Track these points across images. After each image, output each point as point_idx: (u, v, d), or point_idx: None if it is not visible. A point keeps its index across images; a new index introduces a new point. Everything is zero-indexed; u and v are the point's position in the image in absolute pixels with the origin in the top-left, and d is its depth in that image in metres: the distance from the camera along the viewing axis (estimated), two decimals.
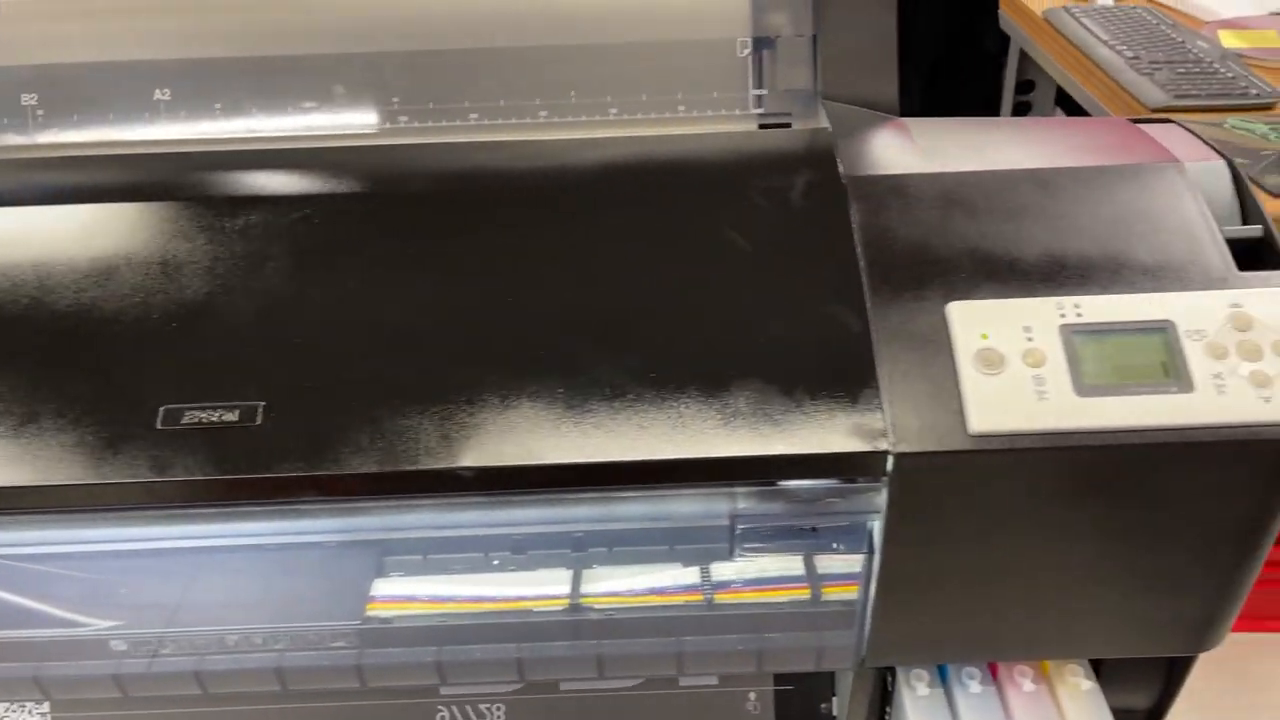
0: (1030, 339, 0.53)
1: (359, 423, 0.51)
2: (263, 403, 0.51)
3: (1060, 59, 1.43)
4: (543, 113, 0.66)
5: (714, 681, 0.72)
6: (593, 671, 0.62)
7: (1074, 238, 0.56)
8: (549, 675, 0.63)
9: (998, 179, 0.58)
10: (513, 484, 0.50)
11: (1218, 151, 0.61)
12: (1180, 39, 1.36)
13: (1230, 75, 1.27)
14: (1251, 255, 0.56)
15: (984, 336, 0.53)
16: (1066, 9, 1.47)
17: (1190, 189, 0.57)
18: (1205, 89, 1.24)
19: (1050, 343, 0.53)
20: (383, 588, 0.64)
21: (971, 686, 0.62)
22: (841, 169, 0.59)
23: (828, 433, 0.51)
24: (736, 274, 0.56)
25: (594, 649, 0.60)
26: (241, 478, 0.50)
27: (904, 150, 0.62)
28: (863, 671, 0.64)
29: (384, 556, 0.65)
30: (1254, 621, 1.52)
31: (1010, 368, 0.52)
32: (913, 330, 0.53)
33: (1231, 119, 1.19)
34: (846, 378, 0.52)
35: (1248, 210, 0.58)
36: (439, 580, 0.64)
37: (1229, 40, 1.38)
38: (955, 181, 0.58)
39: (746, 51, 0.67)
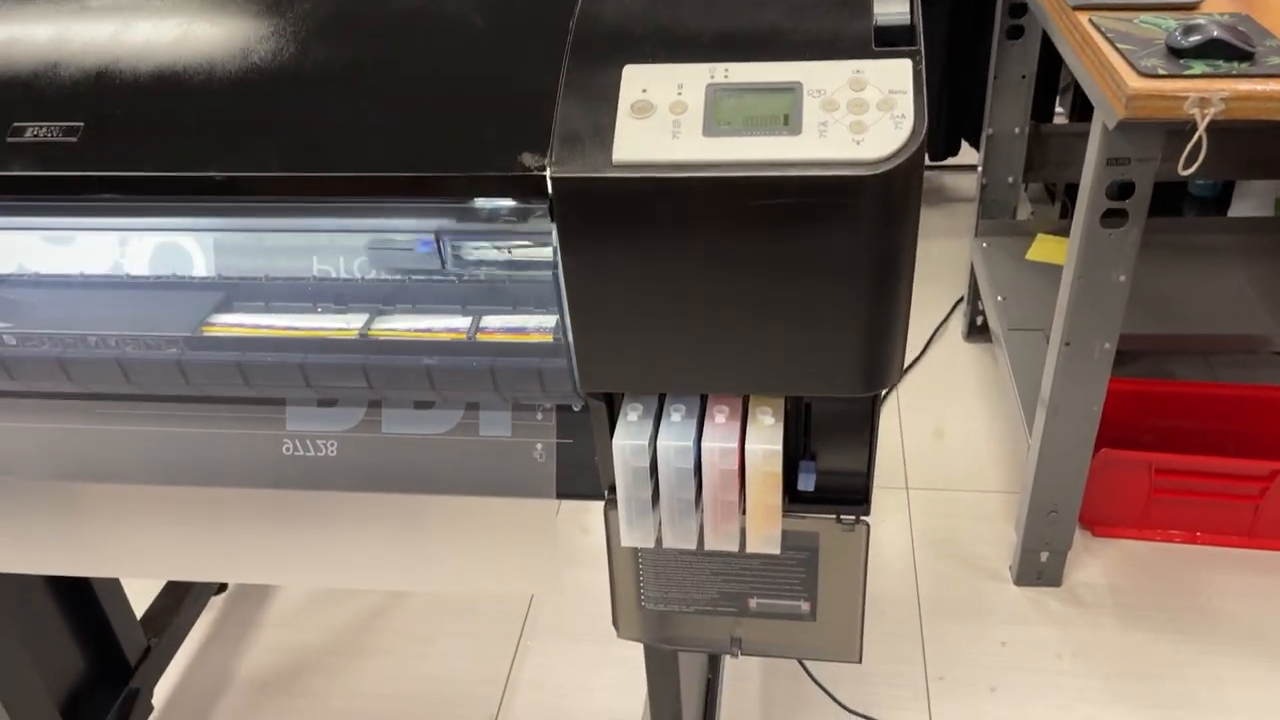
0: (680, 94, 0.64)
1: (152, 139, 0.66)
2: (81, 123, 0.67)
3: None
4: None
5: (508, 434, 0.85)
6: (363, 382, 0.76)
7: (751, 17, 0.67)
8: (330, 383, 0.77)
9: None
10: (252, 190, 0.65)
11: None
12: None
13: None
14: (896, 37, 0.65)
15: (643, 91, 0.64)
16: None
17: None
18: None
19: (695, 97, 0.64)
20: (217, 318, 0.80)
21: (674, 416, 0.73)
22: None
23: (502, 159, 0.63)
24: (465, 42, 0.68)
25: (360, 361, 0.74)
26: (63, 174, 0.66)
27: None
28: (598, 407, 0.76)
29: (227, 299, 0.81)
30: (1192, 534, 1.55)
31: (657, 115, 0.63)
32: (592, 88, 0.65)
33: (1144, 15, 1.23)
34: (527, 122, 0.64)
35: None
36: (261, 316, 0.80)
37: None
38: None
39: None
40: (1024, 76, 1.82)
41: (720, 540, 0.76)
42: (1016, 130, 1.87)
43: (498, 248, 0.69)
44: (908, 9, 0.67)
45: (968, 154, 2.34)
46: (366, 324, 0.77)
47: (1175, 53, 1.11)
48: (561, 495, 0.85)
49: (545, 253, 0.68)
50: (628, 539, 0.77)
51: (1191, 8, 1.26)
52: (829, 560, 0.83)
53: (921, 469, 1.76)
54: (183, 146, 0.67)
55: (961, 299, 2.12)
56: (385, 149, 0.65)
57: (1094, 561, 1.56)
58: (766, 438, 0.72)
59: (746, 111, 0.63)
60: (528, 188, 0.63)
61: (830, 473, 0.78)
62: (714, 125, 0.63)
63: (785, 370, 0.70)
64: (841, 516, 0.81)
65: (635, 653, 1.46)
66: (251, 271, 0.80)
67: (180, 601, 1.45)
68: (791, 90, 0.63)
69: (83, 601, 1.29)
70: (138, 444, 0.87)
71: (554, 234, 0.65)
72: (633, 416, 0.74)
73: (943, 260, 2.29)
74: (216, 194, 0.66)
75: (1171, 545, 1.57)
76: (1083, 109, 2.04)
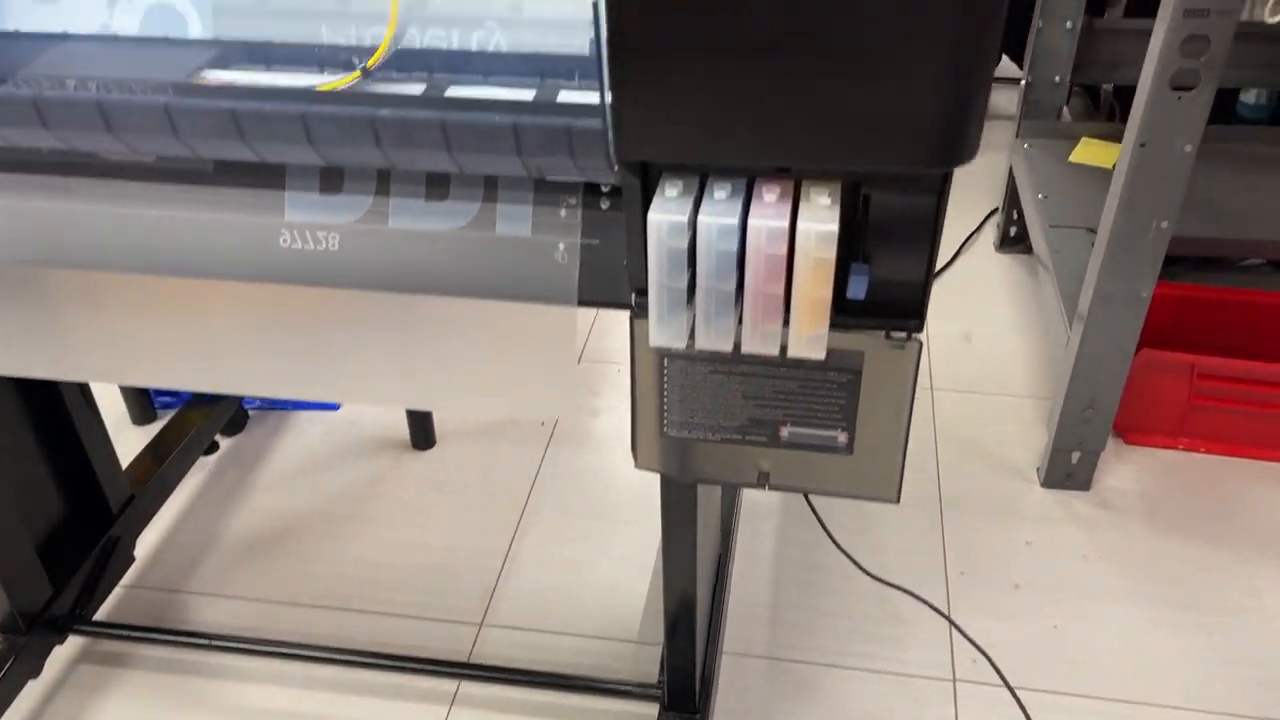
0: None
1: None
2: None
3: None
4: None
5: (527, 232, 0.77)
6: (371, 142, 0.68)
7: None
8: (335, 143, 0.69)
9: None
10: None
11: None
12: None
13: None
14: None
15: None
16: None
17: None
18: None
19: None
20: (213, 74, 0.72)
21: (718, 194, 0.65)
22: None
23: None
24: None
25: (368, 113, 0.66)
26: None
27: None
28: (631, 186, 0.68)
29: (223, 55, 0.73)
30: (1231, 446, 1.48)
31: None
32: None
33: None
34: None
35: None
36: (264, 74, 0.72)
37: None
38: None
39: None
40: None
41: (760, 341, 0.68)
42: (1069, 25, 1.77)
43: None
44: None
45: (1006, 69, 2.23)
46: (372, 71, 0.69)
47: None
48: (584, 302, 0.78)
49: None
50: (657, 337, 0.70)
51: None
52: (873, 384, 0.76)
53: (947, 371, 1.68)
54: None
55: (995, 210, 2.03)
56: None
57: (1125, 468, 1.49)
58: (822, 218, 0.64)
59: None
60: None
61: (883, 281, 0.71)
62: None
63: (849, 135, 0.61)
64: (892, 333, 0.73)
65: (640, 532, 1.40)
66: (253, 33, 0.72)
67: (167, 455, 1.39)
68: None
69: (64, 440, 1.22)
70: (117, 225, 0.80)
71: None
72: (672, 192, 0.66)
73: (977, 174, 2.19)
74: None
75: (1208, 456, 1.50)
76: (1138, 11, 1.94)
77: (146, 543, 1.38)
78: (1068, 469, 1.44)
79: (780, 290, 0.66)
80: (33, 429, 1.18)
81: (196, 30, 0.77)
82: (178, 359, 0.86)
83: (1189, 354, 1.43)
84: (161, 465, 1.37)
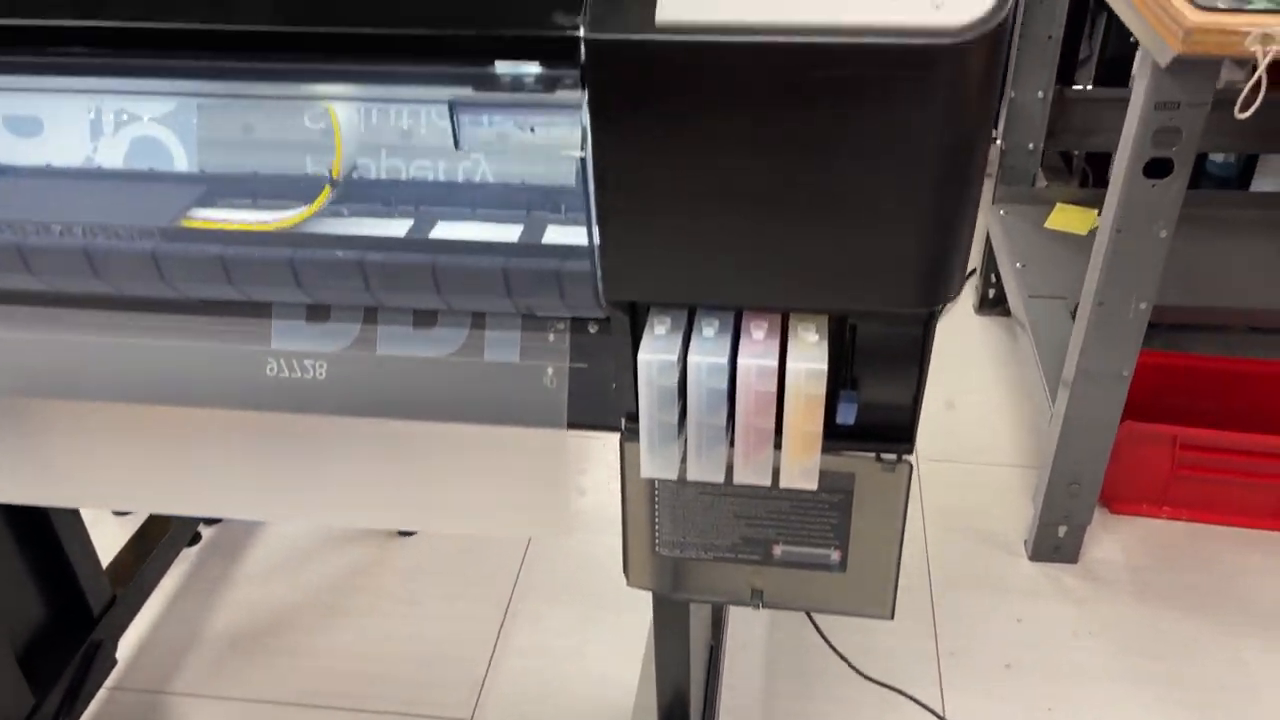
0: None
1: None
2: None
3: None
4: None
5: (515, 357, 0.77)
6: (359, 284, 0.68)
7: None
8: (322, 284, 0.69)
9: None
10: (236, 44, 0.57)
11: None
12: None
13: None
14: None
15: None
16: None
17: None
18: None
19: None
20: (199, 211, 0.72)
21: (706, 331, 0.66)
22: None
23: (529, 17, 0.55)
24: None
25: (358, 257, 0.66)
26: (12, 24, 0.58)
27: None
28: (620, 321, 0.68)
29: (209, 193, 0.72)
30: (1215, 514, 1.49)
31: None
32: None
33: None
34: None
35: None
36: (251, 211, 0.72)
37: None
38: None
39: None
40: (1050, 37, 1.75)
41: (752, 472, 0.69)
42: (1040, 94, 1.80)
43: (517, 125, 0.60)
44: None
45: None
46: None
47: None
48: (573, 425, 0.78)
49: (568, 134, 0.60)
50: (649, 469, 0.70)
51: None
52: (864, 504, 0.76)
53: (931, 440, 1.69)
54: None
55: (973, 272, 2.05)
56: (398, 3, 0.57)
57: (1111, 539, 1.49)
58: (810, 355, 0.64)
59: None
60: (557, 50, 0.55)
61: (872, 405, 0.71)
62: None
63: (835, 278, 0.62)
64: (882, 455, 0.73)
65: (629, 619, 1.39)
66: (238, 167, 0.72)
67: (149, 552, 1.37)
68: None
69: (44, 545, 1.20)
70: (104, 355, 0.79)
71: (584, 107, 0.57)
72: (661, 330, 0.66)
73: None
74: (194, 48, 0.57)
75: (1193, 525, 1.51)
76: (1106, 79, 1.98)
77: (129, 642, 1.36)
78: (1055, 542, 1.44)
79: (771, 424, 0.66)
80: (12, 532, 1.16)
81: (182, 163, 0.77)
82: (162, 484, 0.85)
83: (1170, 425, 1.45)
84: (143, 563, 1.35)
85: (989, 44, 0.53)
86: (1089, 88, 2.00)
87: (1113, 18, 1.27)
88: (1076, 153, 2.17)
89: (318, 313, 0.77)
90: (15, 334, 0.79)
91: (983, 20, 0.53)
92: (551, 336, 0.76)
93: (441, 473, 0.82)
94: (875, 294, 0.62)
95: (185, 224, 0.70)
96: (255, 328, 0.78)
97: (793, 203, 0.59)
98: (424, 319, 0.76)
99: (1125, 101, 1.19)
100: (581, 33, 0.55)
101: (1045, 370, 1.49)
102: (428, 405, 0.78)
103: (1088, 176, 2.09)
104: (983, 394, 1.80)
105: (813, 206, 0.59)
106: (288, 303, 0.74)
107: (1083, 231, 1.78)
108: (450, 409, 0.78)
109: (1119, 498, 1.53)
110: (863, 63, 0.54)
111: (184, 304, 0.77)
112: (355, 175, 0.71)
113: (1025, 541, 1.48)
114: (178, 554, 1.46)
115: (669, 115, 0.56)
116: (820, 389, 0.64)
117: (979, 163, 0.58)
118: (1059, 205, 1.86)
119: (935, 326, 0.67)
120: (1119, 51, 1.95)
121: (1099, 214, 1.91)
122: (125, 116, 0.67)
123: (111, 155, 0.77)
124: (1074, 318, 1.67)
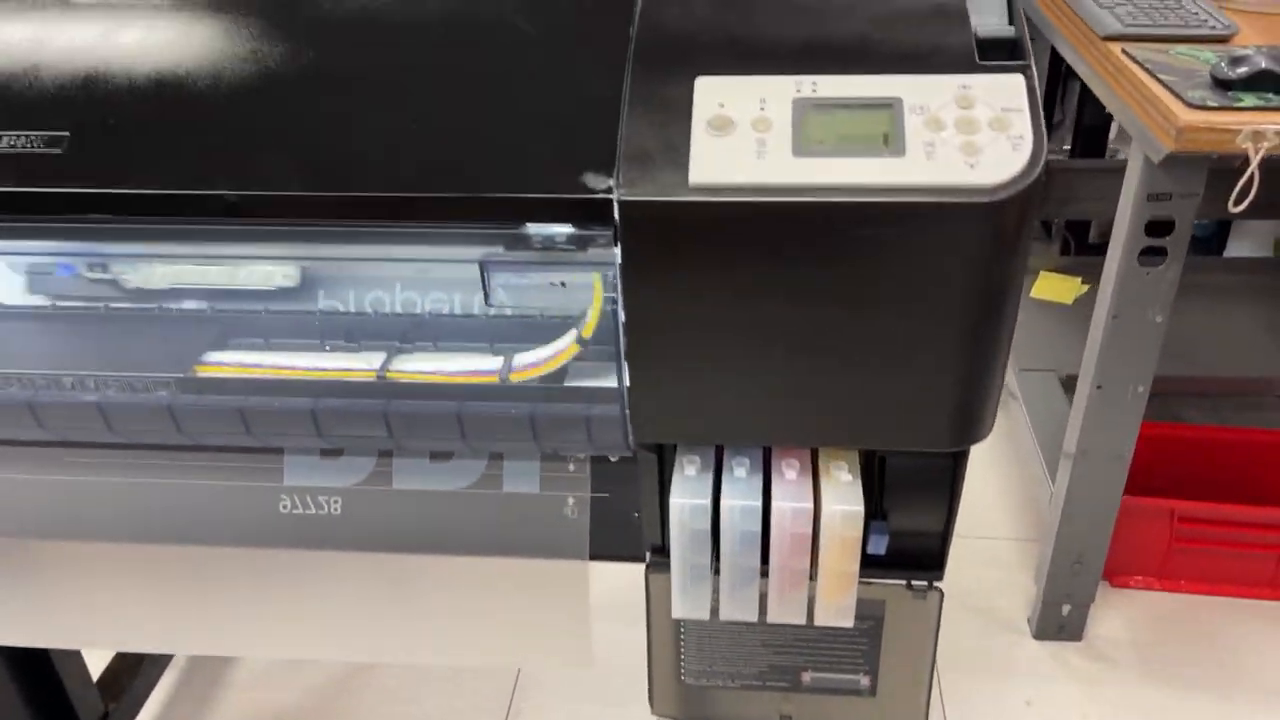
0: (763, 109, 0.56)
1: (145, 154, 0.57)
2: (66, 133, 0.58)
3: None
4: None
5: (536, 489, 0.76)
6: (383, 430, 0.66)
7: (835, 27, 0.59)
8: (344, 431, 0.68)
9: None
10: (266, 210, 0.56)
11: None
12: None
13: (1194, 11, 1.27)
14: (1000, 50, 0.58)
15: (720, 106, 0.56)
16: None
17: None
18: (1162, 21, 1.24)
19: (780, 113, 0.56)
20: (213, 356, 0.70)
21: (737, 471, 0.65)
22: None
23: (561, 180, 0.55)
24: (515, 48, 0.60)
25: (382, 407, 0.65)
26: (44, 191, 0.56)
27: None
28: (647, 459, 0.67)
29: (223, 335, 0.71)
30: (1214, 585, 1.49)
31: (738, 132, 0.55)
32: (660, 102, 0.57)
33: (1179, 47, 1.18)
34: (588, 137, 0.56)
35: (1013, 12, 0.60)
36: (263, 354, 0.70)
37: None
38: None
39: None
40: None
41: (786, 611, 0.68)
42: None
43: (551, 283, 0.60)
44: (1007, 18, 0.60)
45: None
46: (384, 364, 0.68)
47: (1222, 84, 1.06)
48: (595, 557, 0.76)
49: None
50: (680, 609, 0.69)
51: (1226, 40, 1.21)
52: (894, 631, 0.75)
53: None
54: (185, 160, 0.58)
55: None
56: (426, 165, 0.56)
57: (1114, 614, 1.49)
58: (845, 497, 0.63)
59: (840, 129, 0.56)
60: (591, 212, 0.55)
61: (902, 534, 0.70)
62: (804, 144, 0.55)
63: (868, 420, 0.62)
64: (913, 583, 0.73)
65: (634, 712, 1.36)
66: (251, 304, 0.71)
67: (140, 663, 1.33)
68: (890, 106, 0.56)
69: (34, 664, 1.16)
70: (113, 496, 0.77)
71: (617, 265, 0.56)
72: (690, 471, 0.65)
73: None
74: (224, 217, 0.57)
75: (1193, 597, 1.51)
76: (1085, 148, 2.01)
77: None
78: (1059, 621, 1.43)
79: (806, 564, 0.66)
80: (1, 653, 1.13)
81: (192, 300, 0.76)
82: (173, 625, 0.83)
83: (1168, 499, 1.45)
84: (135, 675, 1.31)
85: (1022, 201, 0.53)
86: (1066, 156, 2.03)
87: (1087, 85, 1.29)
88: (1056, 220, 2.20)
89: (332, 448, 0.75)
90: (18, 475, 0.77)
91: (1016, 179, 0.53)
92: (572, 466, 0.75)
93: (460, 607, 0.80)
94: (908, 435, 0.62)
95: (199, 370, 0.69)
96: (268, 463, 0.76)
97: (826, 350, 0.59)
98: (441, 452, 0.75)
99: (1103, 171, 1.21)
100: (615, 195, 0.54)
101: (1041, 445, 1.49)
102: (446, 538, 0.77)
103: (1069, 244, 2.11)
104: (976, 465, 1.80)
105: (847, 354, 0.59)
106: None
107: (1068, 301, 1.80)
108: (469, 542, 0.77)
109: (1118, 570, 1.53)
110: (899, 220, 0.54)
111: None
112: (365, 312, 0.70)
113: (1029, 619, 1.47)
114: (168, 663, 1.42)
115: (703, 269, 0.56)
116: (857, 530, 0.63)
117: (1011, 310, 0.58)
118: (1042, 273, 1.88)
119: (967, 461, 0.67)
120: (1095, 120, 1.98)
121: (1082, 282, 1.94)
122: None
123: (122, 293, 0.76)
124: (1065, 389, 1.68)
